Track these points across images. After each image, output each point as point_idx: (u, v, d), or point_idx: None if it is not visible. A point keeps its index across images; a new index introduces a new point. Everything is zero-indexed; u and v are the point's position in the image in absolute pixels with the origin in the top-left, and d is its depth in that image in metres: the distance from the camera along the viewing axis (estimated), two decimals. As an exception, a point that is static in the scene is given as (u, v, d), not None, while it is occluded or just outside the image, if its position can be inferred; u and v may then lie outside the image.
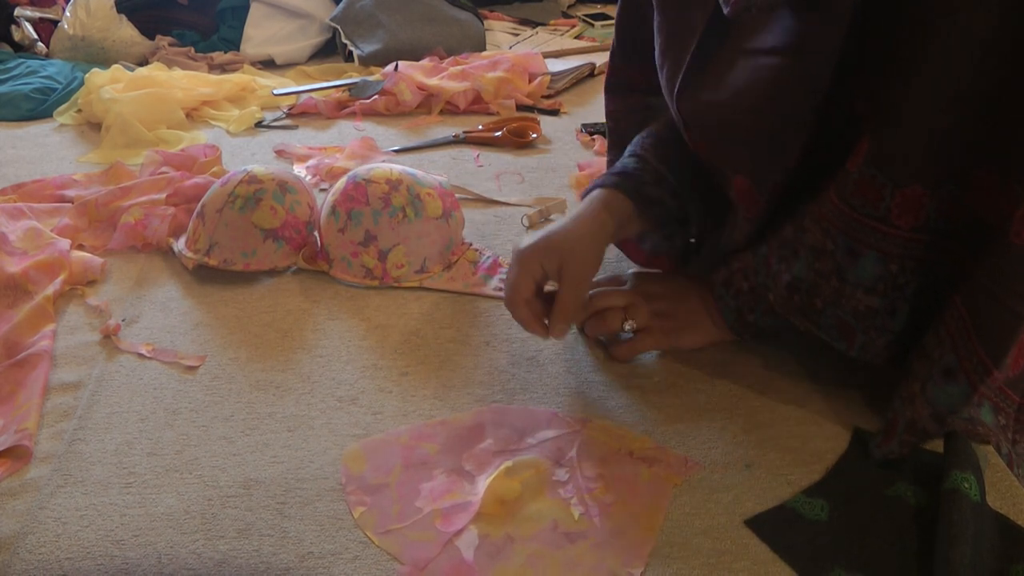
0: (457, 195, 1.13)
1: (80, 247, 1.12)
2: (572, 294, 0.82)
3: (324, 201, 1.08)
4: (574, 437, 0.78)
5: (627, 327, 0.86)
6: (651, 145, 0.89)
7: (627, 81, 0.97)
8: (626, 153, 0.91)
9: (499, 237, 1.13)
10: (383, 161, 1.34)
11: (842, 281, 0.73)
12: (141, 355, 0.92)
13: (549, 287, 0.85)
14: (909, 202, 0.67)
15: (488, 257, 1.06)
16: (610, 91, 0.99)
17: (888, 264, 0.70)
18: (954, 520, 0.64)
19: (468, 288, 1.01)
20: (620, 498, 0.71)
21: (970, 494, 0.65)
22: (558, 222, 0.85)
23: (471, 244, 1.08)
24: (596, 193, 0.87)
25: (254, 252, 1.04)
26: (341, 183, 1.06)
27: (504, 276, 1.02)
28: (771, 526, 0.68)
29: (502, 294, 0.92)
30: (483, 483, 0.73)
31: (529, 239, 0.83)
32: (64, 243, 1.08)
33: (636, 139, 0.92)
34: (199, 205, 1.08)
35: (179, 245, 1.09)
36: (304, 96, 1.65)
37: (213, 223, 1.04)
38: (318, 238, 1.07)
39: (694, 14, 0.77)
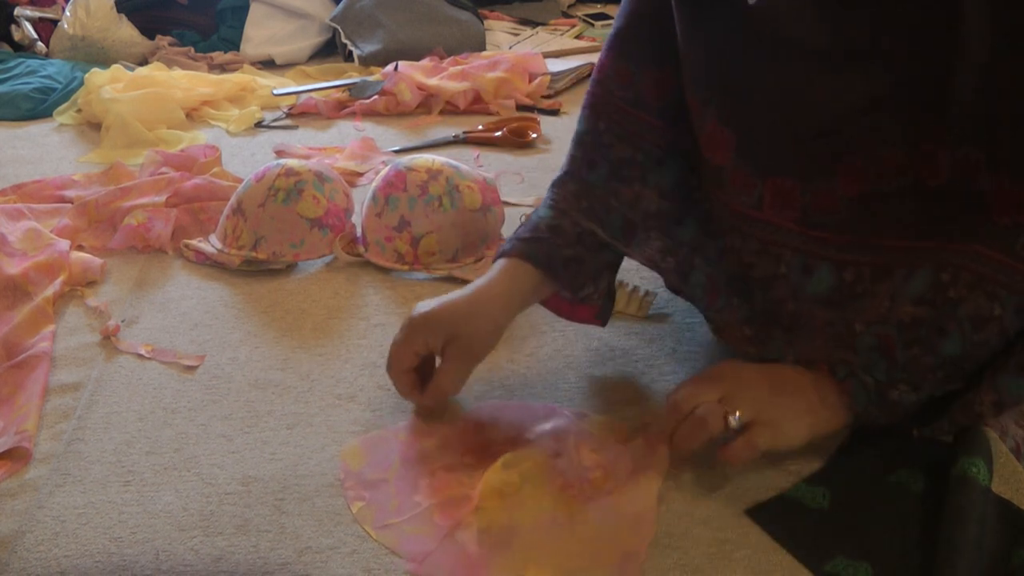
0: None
1: (80, 248, 1.12)
2: (452, 373, 0.78)
3: (367, 190, 1.10)
4: (572, 428, 0.78)
5: (733, 423, 0.68)
6: (573, 194, 0.82)
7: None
8: (544, 202, 0.84)
9: (498, 236, 1.13)
10: (384, 161, 1.34)
11: (1005, 341, 0.67)
12: (140, 355, 0.92)
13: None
14: None
15: None
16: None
17: None
18: (962, 504, 0.64)
19: None
20: (619, 486, 0.71)
21: (979, 478, 0.66)
22: (459, 292, 0.79)
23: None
24: (501, 263, 0.80)
25: (302, 242, 1.05)
26: (384, 171, 1.09)
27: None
28: (772, 515, 0.69)
29: None
30: (482, 476, 0.73)
31: (423, 306, 0.79)
32: (64, 244, 1.08)
33: (554, 185, 0.84)
34: (234, 201, 1.08)
35: (213, 244, 1.09)
36: (304, 96, 1.65)
37: (256, 218, 1.05)
38: (357, 225, 1.10)
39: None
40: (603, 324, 0.87)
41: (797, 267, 0.73)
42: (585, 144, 0.82)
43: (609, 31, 0.83)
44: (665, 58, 0.78)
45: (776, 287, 0.74)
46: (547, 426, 0.79)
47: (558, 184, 0.84)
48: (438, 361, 0.80)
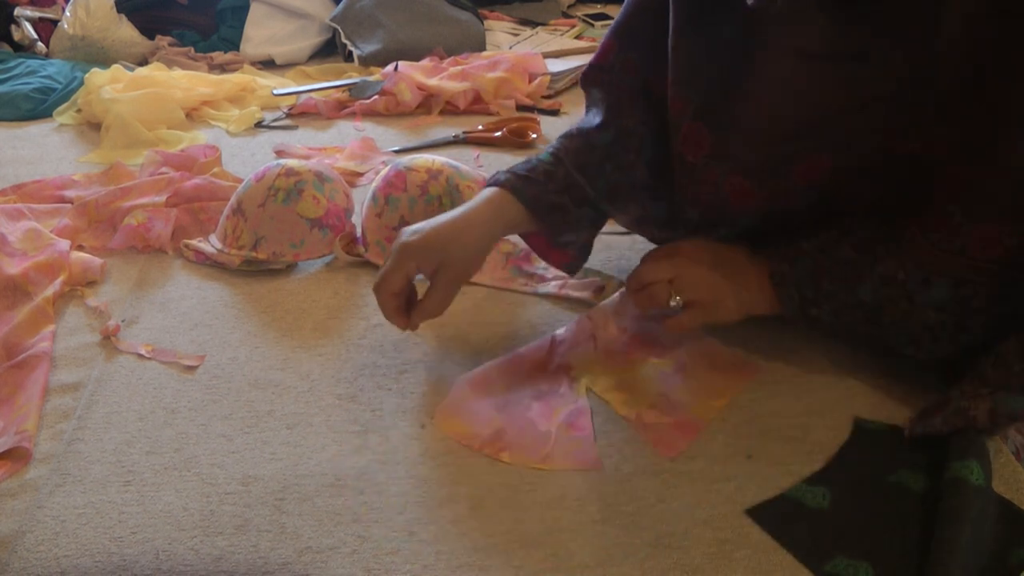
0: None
1: (80, 248, 1.12)
2: (440, 296, 0.82)
3: (367, 190, 1.10)
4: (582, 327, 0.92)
5: (673, 303, 0.83)
6: (574, 149, 0.87)
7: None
8: (548, 147, 0.89)
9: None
10: (384, 161, 1.34)
11: (911, 304, 0.74)
12: (140, 355, 0.92)
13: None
14: (987, 237, 0.69)
15: (520, 249, 1.06)
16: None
17: (959, 288, 0.72)
18: (955, 505, 0.64)
19: (494, 282, 1.02)
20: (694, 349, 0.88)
21: (971, 478, 0.66)
22: (445, 216, 0.83)
23: (507, 239, 1.09)
24: (491, 191, 0.84)
25: (302, 242, 1.05)
26: (384, 171, 1.09)
27: (535, 270, 1.04)
28: (772, 515, 0.69)
29: (526, 289, 1.01)
30: (570, 389, 0.83)
31: (413, 231, 0.82)
32: (64, 244, 1.08)
33: (562, 136, 0.90)
34: (234, 201, 1.08)
35: (213, 244, 1.09)
36: (304, 96, 1.65)
37: (257, 218, 1.05)
38: (357, 226, 1.10)
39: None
40: (571, 274, 0.95)
41: (754, 214, 0.83)
42: (598, 107, 0.91)
43: (614, 21, 0.90)
44: (666, 52, 0.83)
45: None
46: (564, 335, 0.90)
47: (566, 135, 0.90)
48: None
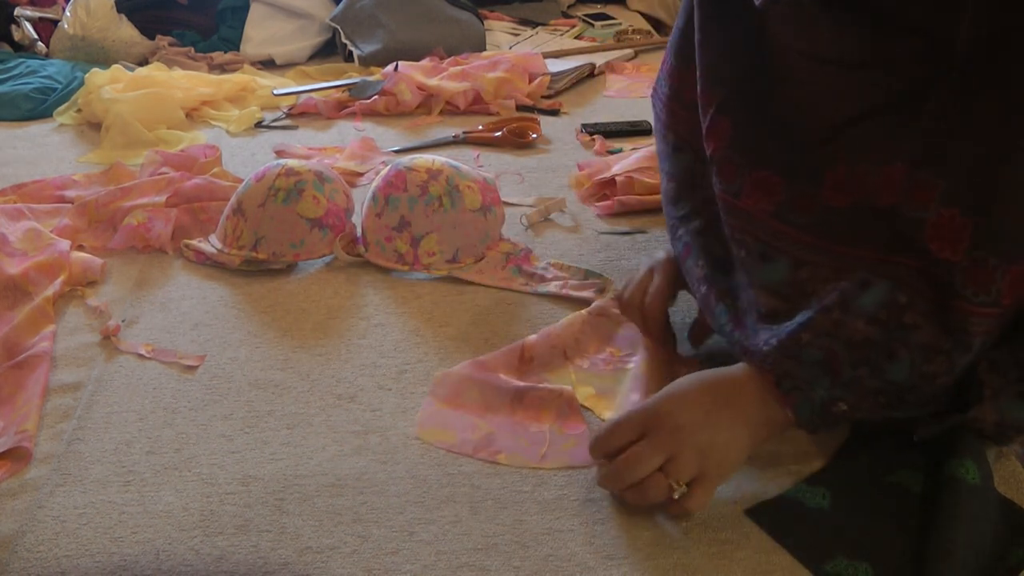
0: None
1: (80, 248, 1.12)
2: None
3: (367, 190, 1.10)
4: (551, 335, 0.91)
5: (676, 494, 0.68)
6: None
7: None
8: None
9: (498, 236, 1.13)
10: (384, 161, 1.34)
11: (950, 376, 0.67)
12: (141, 355, 0.92)
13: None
14: (1017, 279, 0.63)
15: (521, 249, 1.06)
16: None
17: (985, 341, 0.66)
18: (950, 504, 0.64)
19: (495, 282, 1.02)
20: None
21: (967, 477, 0.66)
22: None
23: (508, 239, 1.09)
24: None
25: (302, 242, 1.05)
26: (384, 171, 1.09)
27: (535, 270, 1.04)
28: (772, 515, 0.69)
29: (527, 289, 1.01)
30: (550, 391, 0.82)
31: (661, 254, 0.89)
32: (64, 244, 1.08)
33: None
34: (234, 201, 1.08)
35: (213, 244, 1.09)
36: (304, 96, 1.65)
37: (256, 218, 1.05)
38: (357, 225, 1.10)
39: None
40: None
41: (756, 253, 0.73)
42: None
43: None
44: (689, 58, 0.82)
45: (737, 270, 0.76)
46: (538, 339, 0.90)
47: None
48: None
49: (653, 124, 0.91)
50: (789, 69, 0.73)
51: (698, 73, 0.79)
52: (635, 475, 0.68)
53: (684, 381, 0.72)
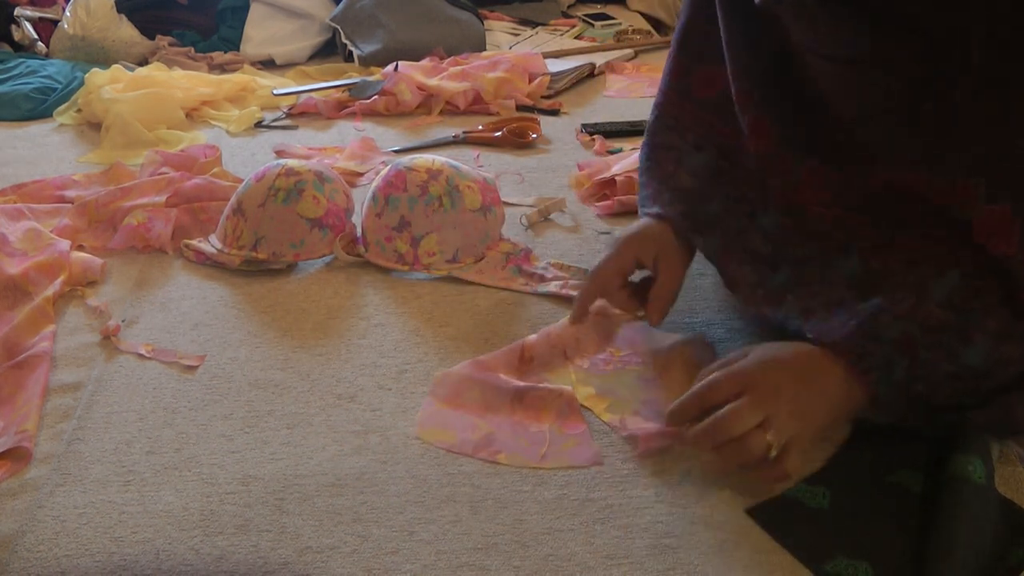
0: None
1: (80, 248, 1.12)
2: (671, 282, 0.86)
3: (367, 190, 1.10)
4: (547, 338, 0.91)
5: (775, 452, 0.68)
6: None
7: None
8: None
9: (498, 236, 1.13)
10: (384, 161, 1.34)
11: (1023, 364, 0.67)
12: (141, 355, 0.92)
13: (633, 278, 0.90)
14: None
15: (521, 249, 1.06)
16: None
17: None
18: (955, 502, 0.64)
19: (495, 282, 1.02)
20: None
21: (973, 476, 0.66)
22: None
23: (508, 239, 1.09)
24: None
25: (302, 242, 1.05)
26: (384, 171, 1.09)
27: (535, 270, 1.04)
28: (772, 514, 0.69)
29: (527, 289, 1.01)
30: (549, 390, 0.82)
31: (625, 230, 0.88)
32: (64, 244, 1.08)
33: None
34: (234, 201, 1.08)
35: (213, 244, 1.09)
36: (304, 96, 1.65)
37: (256, 218, 1.05)
38: (357, 225, 1.10)
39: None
40: None
41: (828, 248, 0.75)
42: (646, 134, 0.93)
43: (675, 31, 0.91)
44: (715, 57, 0.84)
45: (808, 266, 0.77)
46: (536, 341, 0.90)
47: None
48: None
49: (651, 128, 0.92)
50: (806, 66, 0.74)
51: (730, 74, 0.81)
52: (735, 430, 0.67)
53: (773, 348, 0.73)
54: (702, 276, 1.01)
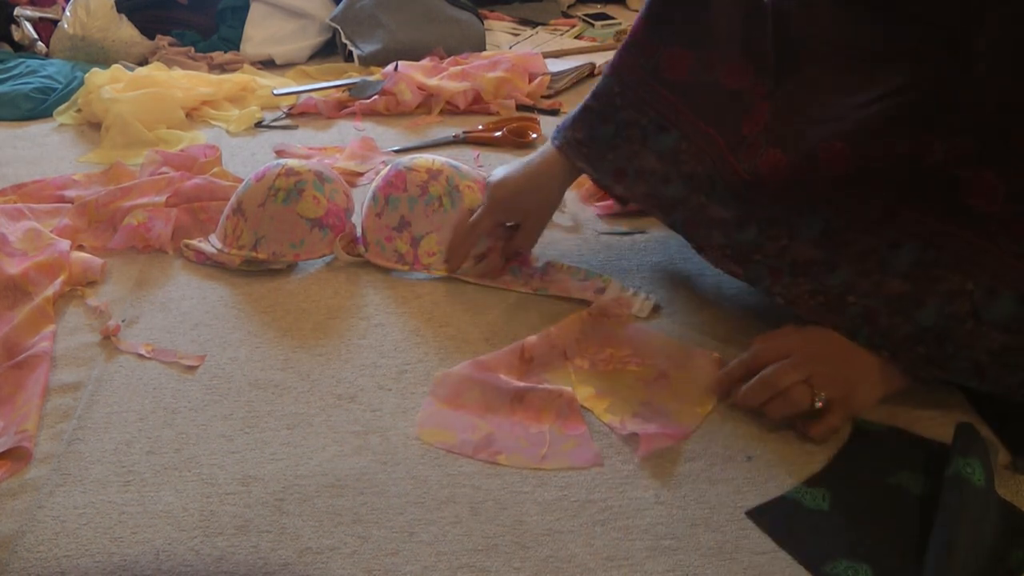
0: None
1: (80, 248, 1.12)
2: (526, 236, 1.01)
3: (367, 190, 1.10)
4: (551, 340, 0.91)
5: (819, 404, 0.75)
6: (578, 141, 0.95)
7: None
8: (553, 134, 0.98)
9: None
10: (384, 161, 1.34)
11: (977, 322, 0.72)
12: (141, 355, 0.92)
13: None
14: None
15: None
16: None
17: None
18: (954, 504, 0.64)
19: (494, 282, 1.02)
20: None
21: (972, 478, 0.66)
22: (524, 169, 0.98)
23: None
24: (551, 150, 0.97)
25: (302, 242, 1.05)
26: (384, 171, 1.09)
27: (535, 270, 1.04)
28: (772, 516, 0.69)
29: (527, 289, 1.01)
30: (549, 391, 0.82)
31: (499, 184, 0.99)
32: (64, 244, 1.08)
33: (564, 126, 0.97)
34: (234, 201, 1.08)
35: (213, 243, 1.09)
36: (304, 96, 1.65)
37: (256, 218, 1.05)
38: (357, 225, 1.10)
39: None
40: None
41: (792, 211, 0.81)
42: (599, 100, 0.94)
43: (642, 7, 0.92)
44: (689, 40, 0.87)
45: (774, 227, 0.82)
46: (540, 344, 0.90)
47: (568, 126, 0.96)
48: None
49: (610, 97, 0.93)
50: (811, 52, 0.77)
51: (737, 60, 0.85)
52: (781, 384, 0.76)
53: (807, 327, 0.80)
54: (702, 276, 1.01)
